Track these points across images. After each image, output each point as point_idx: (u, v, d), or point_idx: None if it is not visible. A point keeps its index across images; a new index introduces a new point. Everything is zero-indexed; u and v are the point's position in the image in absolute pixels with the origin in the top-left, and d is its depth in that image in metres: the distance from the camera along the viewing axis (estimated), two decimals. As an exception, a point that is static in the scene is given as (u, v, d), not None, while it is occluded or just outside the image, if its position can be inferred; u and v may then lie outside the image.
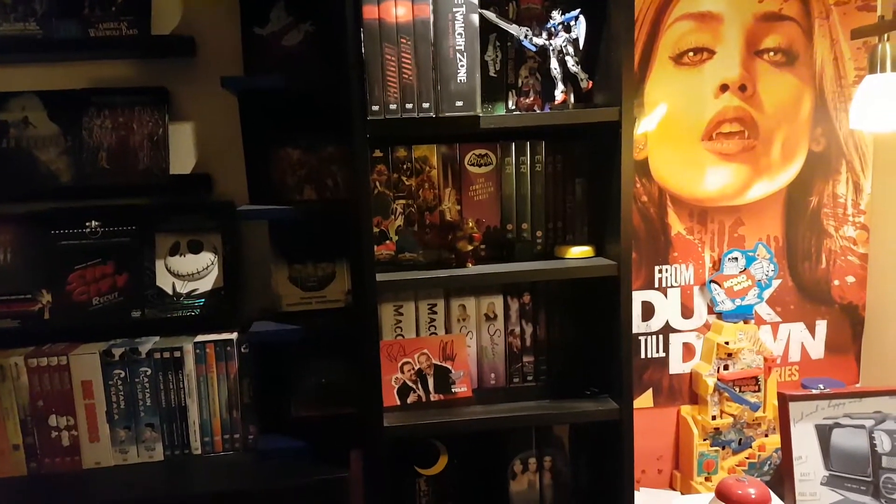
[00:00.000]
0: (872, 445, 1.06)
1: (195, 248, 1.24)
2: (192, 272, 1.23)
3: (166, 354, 1.16)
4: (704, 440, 1.35)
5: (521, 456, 1.28)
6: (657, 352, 1.38)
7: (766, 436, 1.37)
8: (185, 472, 1.16)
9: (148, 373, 1.16)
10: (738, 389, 1.34)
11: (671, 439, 1.41)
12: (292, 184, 1.23)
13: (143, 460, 1.17)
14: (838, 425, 1.06)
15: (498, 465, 1.28)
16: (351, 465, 1.18)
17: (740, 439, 1.37)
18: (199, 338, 1.18)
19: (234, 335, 1.19)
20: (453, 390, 1.21)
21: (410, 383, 1.20)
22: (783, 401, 1.05)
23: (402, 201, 1.19)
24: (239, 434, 1.20)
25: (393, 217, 1.19)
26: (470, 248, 1.16)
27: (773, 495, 1.05)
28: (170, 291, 1.22)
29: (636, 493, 1.37)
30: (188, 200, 1.25)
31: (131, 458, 1.17)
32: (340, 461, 1.18)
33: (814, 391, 1.07)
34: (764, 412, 1.35)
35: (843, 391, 1.06)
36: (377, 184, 1.17)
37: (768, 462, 1.36)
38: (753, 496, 1.00)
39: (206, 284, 1.23)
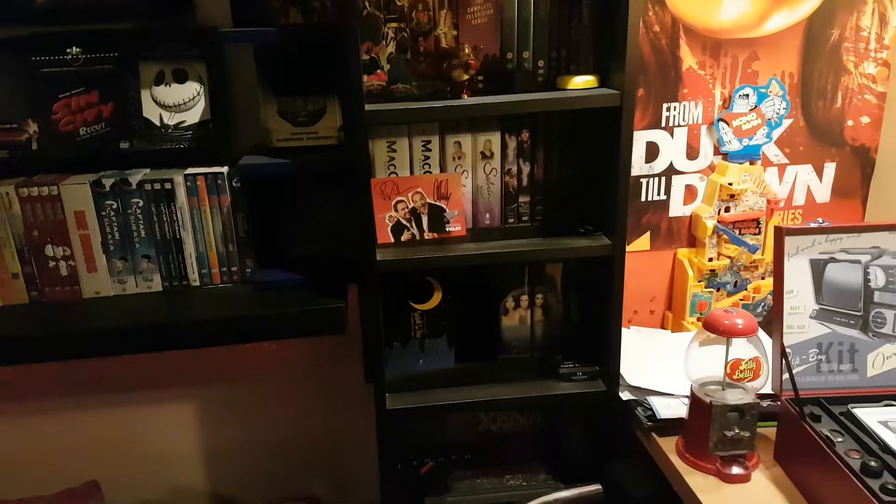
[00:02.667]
0: (866, 280, 1.05)
1: (180, 78, 1.18)
2: (178, 103, 1.18)
3: (157, 186, 1.15)
4: (699, 282, 1.36)
5: (513, 293, 1.29)
6: (658, 194, 1.36)
7: (763, 279, 1.38)
8: (185, 302, 1.19)
9: (140, 204, 1.15)
10: (737, 232, 1.33)
11: (665, 281, 1.42)
12: (277, 6, 1.14)
13: (141, 291, 1.20)
14: (833, 260, 1.05)
15: (490, 301, 1.30)
16: (347, 297, 1.20)
17: (736, 282, 1.37)
18: (190, 170, 1.16)
19: (224, 169, 1.17)
20: (447, 229, 1.21)
21: (404, 222, 1.19)
22: (779, 234, 1.03)
23: (394, 24, 1.11)
24: (236, 267, 1.21)
25: (384, 43, 1.12)
26: (466, 77, 1.10)
27: (760, 331, 1.07)
28: (157, 123, 1.18)
29: (626, 330, 1.40)
30: (169, 25, 1.18)
31: (130, 289, 1.20)
32: (337, 294, 1.20)
33: (812, 225, 1.04)
34: (762, 255, 1.35)
35: (842, 226, 1.04)
36: (367, 3, 1.09)
37: (762, 304, 1.38)
38: (741, 326, 1.02)
39: (193, 116, 1.19)
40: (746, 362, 1.01)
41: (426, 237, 1.19)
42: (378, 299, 1.16)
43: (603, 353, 1.23)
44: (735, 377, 1.02)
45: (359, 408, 1.40)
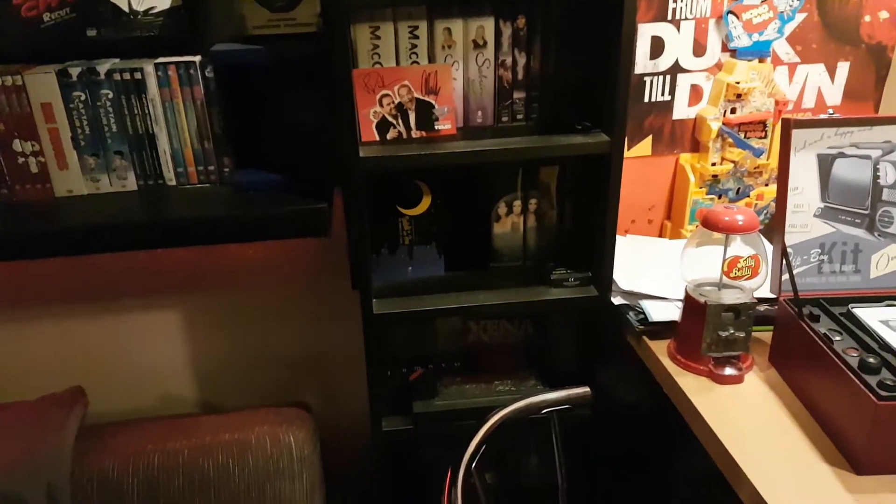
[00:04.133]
0: (875, 177, 1.00)
1: (147, -42, 1.10)
2: (145, -13, 1.10)
3: (126, 76, 1.08)
4: (701, 188, 1.31)
5: (505, 198, 1.24)
6: (662, 95, 1.28)
7: (766, 185, 1.32)
8: (161, 201, 1.14)
9: (109, 96, 1.09)
10: (742, 135, 1.26)
11: (665, 190, 1.37)
12: None
13: (116, 190, 1.15)
14: (842, 155, 0.99)
15: (482, 207, 1.25)
16: (333, 200, 1.15)
17: (738, 188, 1.32)
18: (160, 59, 1.09)
19: (196, 58, 1.10)
20: (436, 127, 1.14)
21: (390, 118, 1.13)
22: (786, 126, 0.97)
23: None
24: (214, 167, 1.16)
25: (366, -85, 1.03)
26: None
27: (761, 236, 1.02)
28: (125, 9, 1.10)
29: (622, 238, 1.36)
30: None
31: (104, 188, 1.14)
32: (321, 195, 1.15)
33: (821, 117, 0.98)
34: (767, 159, 1.29)
35: (852, 118, 0.98)
36: None
37: (765, 211, 1.33)
38: (741, 222, 0.97)
39: (163, 1, 1.11)
40: (745, 259, 0.97)
41: (414, 136, 1.13)
42: (363, 200, 1.11)
43: (596, 258, 1.19)
44: (733, 275, 0.98)
45: (348, 317, 1.38)
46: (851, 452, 0.86)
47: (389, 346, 1.37)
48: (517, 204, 1.24)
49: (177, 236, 1.09)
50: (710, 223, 0.99)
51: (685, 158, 1.32)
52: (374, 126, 1.12)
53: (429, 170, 1.19)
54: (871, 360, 0.86)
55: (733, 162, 1.28)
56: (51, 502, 1.09)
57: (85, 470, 1.14)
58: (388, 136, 1.13)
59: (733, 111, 1.25)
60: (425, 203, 1.23)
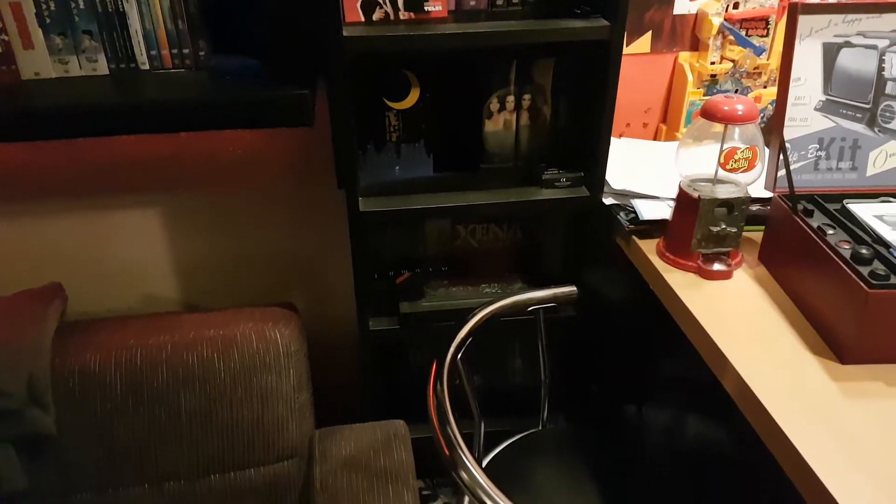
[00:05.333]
0: (881, 69, 0.96)
1: None
2: None
3: (92, -55, 1.00)
4: (698, 89, 1.27)
5: (498, 93, 1.19)
6: (662, -13, 1.22)
7: (765, 87, 1.29)
8: (134, 86, 1.07)
9: (74, -33, 1.01)
10: (744, 32, 1.22)
11: (662, 91, 1.33)
12: None
13: (86, 73, 1.08)
14: (848, 44, 0.95)
15: (473, 102, 1.20)
16: (316, 88, 1.10)
17: (736, 90, 1.28)
18: (129, -72, 1.01)
19: (169, -73, 1.02)
20: (426, 9, 1.08)
21: (377, -3, 1.06)
22: (793, 12, 0.93)
23: None
24: (189, 50, 1.09)
25: None
26: None
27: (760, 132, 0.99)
28: None
29: (617, 140, 1.33)
30: None
31: (73, 70, 1.08)
32: (302, 82, 1.09)
33: (830, 1, 0.94)
34: (767, 59, 1.25)
35: (862, 3, 0.93)
36: None
37: (762, 114, 1.30)
38: (740, 112, 0.94)
39: None
40: (742, 151, 0.95)
41: (402, 17, 1.07)
42: (346, 87, 1.06)
43: (590, 157, 1.16)
44: (729, 167, 0.96)
45: (334, 217, 1.35)
46: (838, 342, 0.86)
47: (377, 249, 1.35)
48: (510, 100, 1.20)
49: (152, 122, 1.03)
50: (709, 112, 0.96)
51: (684, 57, 1.27)
52: (358, 4, 1.05)
53: (417, 57, 1.14)
54: (864, 251, 0.85)
55: (733, 61, 1.23)
56: (31, 393, 1.08)
57: (66, 364, 1.12)
58: (374, 17, 1.07)
59: (736, 6, 1.20)
60: (413, 96, 1.18)
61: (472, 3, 1.11)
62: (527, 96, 1.20)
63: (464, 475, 0.81)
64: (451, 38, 1.03)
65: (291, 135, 1.29)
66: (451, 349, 1.01)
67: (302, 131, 1.28)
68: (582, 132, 1.19)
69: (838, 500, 0.66)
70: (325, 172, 1.30)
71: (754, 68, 1.25)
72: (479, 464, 1.13)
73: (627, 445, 1.18)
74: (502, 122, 1.22)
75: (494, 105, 1.20)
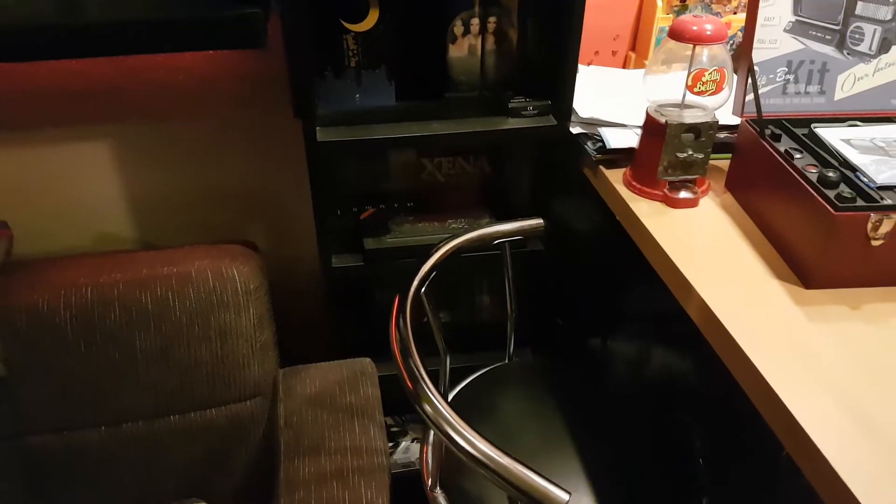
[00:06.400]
0: (853, -13, 0.94)
1: None
2: None
3: None
4: (668, 15, 1.23)
5: (462, 15, 1.13)
6: None
7: (735, 13, 1.25)
8: (74, 4, 1.00)
9: None
10: (716, -48, 1.18)
11: (632, 18, 1.28)
12: None
13: (17, -12, 1.00)
14: (824, -40, 0.93)
15: (436, 25, 1.15)
16: (268, 6, 1.03)
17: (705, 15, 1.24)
18: None
19: None
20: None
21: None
22: (769, -77, 0.89)
23: None
24: (129, -36, 1.02)
25: None
26: None
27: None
28: None
29: (585, 68, 1.29)
30: None
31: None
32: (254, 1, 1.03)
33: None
34: (739, -18, 1.21)
35: (841, -85, 0.90)
36: None
37: (731, 41, 1.27)
38: (709, 32, 0.91)
39: None
40: (710, 73, 0.92)
41: (358, -69, 1.00)
42: (301, 4, 0.99)
43: (558, 85, 1.12)
44: (696, 90, 0.93)
45: (293, 150, 1.29)
46: (802, 267, 0.86)
47: (339, 184, 1.30)
48: (475, 22, 1.14)
49: (94, 44, 0.97)
50: (677, 32, 0.92)
51: (655, -20, 1.23)
52: (312, -80, 0.98)
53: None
54: (831, 174, 0.84)
55: (705, -16, 1.20)
56: (-23, 335, 1.04)
57: (12, 303, 1.08)
58: (330, -67, 1.00)
59: (710, -77, 1.16)
60: (373, 17, 1.12)
61: (434, -84, 1.05)
62: (492, 19, 1.14)
63: (427, 408, 0.80)
64: (411, -48, 0.96)
65: (246, 59, 1.22)
66: (414, 284, 0.98)
67: (257, 56, 1.21)
68: (549, 59, 1.15)
69: (799, 421, 0.66)
70: (283, 101, 1.24)
71: (733, -9, 1.22)
72: (445, 398, 1.13)
73: (594, 377, 1.19)
74: (467, 46, 1.16)
75: (458, 28, 1.15)
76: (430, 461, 1.03)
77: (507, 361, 1.21)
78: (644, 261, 0.97)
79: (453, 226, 1.27)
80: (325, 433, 1.12)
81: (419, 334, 0.91)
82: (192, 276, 1.13)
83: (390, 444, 1.49)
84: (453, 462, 1.00)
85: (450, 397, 1.14)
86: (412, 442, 1.52)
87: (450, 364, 1.14)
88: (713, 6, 1.23)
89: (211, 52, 1.21)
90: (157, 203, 1.34)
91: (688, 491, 0.97)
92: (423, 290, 0.99)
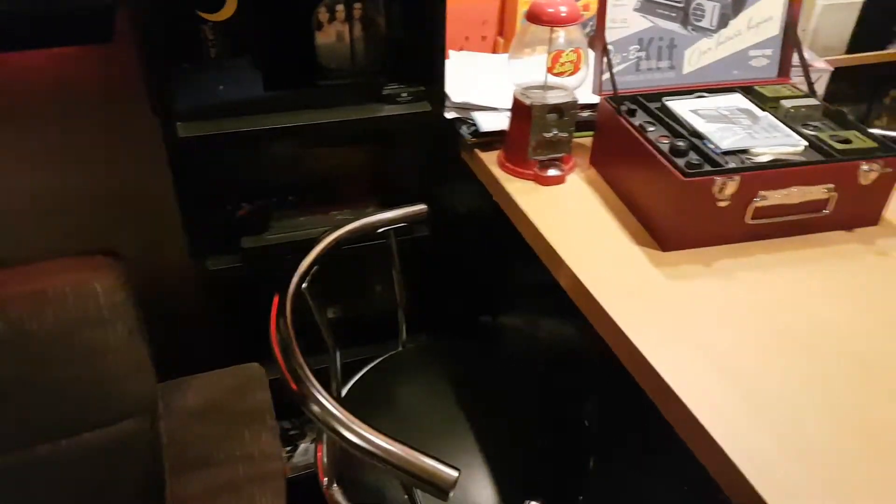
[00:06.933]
0: (691, -33, 1.01)
1: None
2: None
3: None
4: (529, -2, 1.27)
5: (326, 1, 1.11)
6: None
7: (592, -5, 1.31)
8: None
9: None
10: (569, -63, 1.22)
11: (497, 3, 1.31)
12: None
13: None
14: (662, -58, 0.98)
15: (300, 12, 1.12)
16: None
17: None
18: None
19: None
20: None
21: None
22: None
23: None
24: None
25: None
26: None
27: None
28: None
29: (456, 53, 1.31)
30: None
31: None
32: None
33: None
34: (593, -34, 1.26)
35: None
36: None
37: (591, 22, 1.32)
38: (564, 14, 0.94)
39: None
40: (567, 54, 0.96)
41: (203, -85, 0.96)
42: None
43: (428, 71, 1.12)
44: (556, 71, 0.97)
45: (159, 150, 1.21)
46: (659, 231, 0.91)
47: (212, 181, 1.24)
48: (340, 9, 1.12)
49: None
50: (534, 15, 0.95)
51: (514, -35, 1.26)
52: None
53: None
54: (680, 143, 0.90)
55: (562, -32, 1.23)
56: None
57: None
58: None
59: None
60: (231, 5, 1.07)
61: None
62: (358, 5, 1.12)
63: (315, 408, 0.78)
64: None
65: (98, 55, 1.14)
66: (294, 280, 0.96)
67: (111, 51, 1.13)
68: (419, 44, 1.15)
69: (659, 372, 0.71)
70: (142, 97, 1.16)
71: (584, -25, 1.26)
72: (338, 394, 1.11)
73: (487, 353, 1.22)
74: (334, 33, 1.14)
75: (324, 15, 1.12)
76: (325, 459, 1.01)
77: (400, 349, 1.21)
78: (522, 237, 1.00)
79: (338, 217, 1.25)
80: (213, 445, 1.07)
81: (314, 331, 0.89)
82: (48, 294, 1.03)
83: (288, 448, 1.45)
84: (348, 457, 0.99)
85: (343, 392, 1.12)
86: (311, 443, 1.49)
87: (345, 358, 1.12)
88: (571, -11, 1.28)
89: (62, 49, 1.12)
90: (9, 213, 1.22)
91: (577, 452, 1.01)
92: (304, 286, 0.97)
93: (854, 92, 1.76)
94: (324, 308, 1.09)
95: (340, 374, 1.08)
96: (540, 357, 1.22)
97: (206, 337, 1.33)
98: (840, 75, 1.60)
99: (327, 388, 1.07)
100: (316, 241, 1.03)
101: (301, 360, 0.83)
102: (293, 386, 0.81)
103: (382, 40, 1.17)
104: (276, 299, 0.92)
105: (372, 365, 1.16)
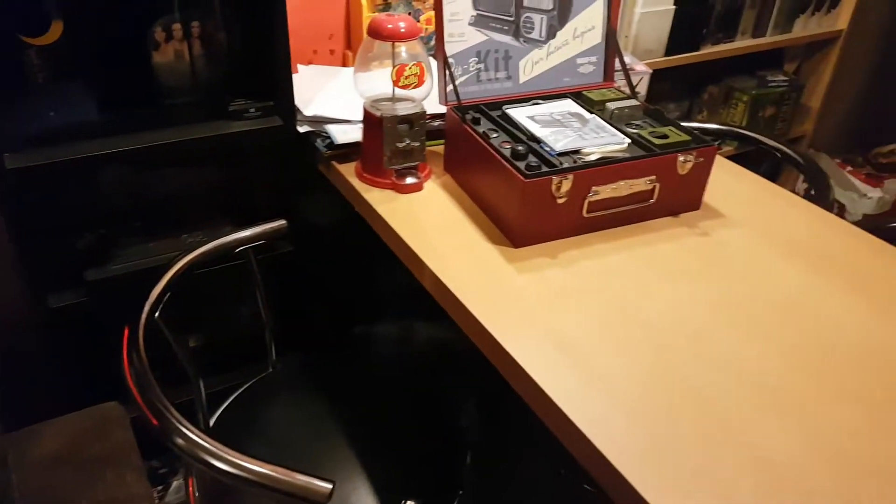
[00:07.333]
0: (518, -17, 1.08)
1: None
2: None
3: None
4: (374, 13, 1.30)
5: (162, 21, 1.08)
6: None
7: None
8: None
9: None
10: (407, -47, 1.26)
11: (342, 16, 1.33)
12: None
13: None
14: (489, -40, 1.05)
15: (133, 33, 1.07)
16: None
17: (409, 13, 1.34)
18: None
19: None
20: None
21: None
22: (438, -73, 0.99)
23: None
24: None
25: None
26: None
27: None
28: None
29: (305, 68, 1.31)
30: None
31: None
32: None
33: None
34: (433, -19, 1.32)
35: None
36: None
37: (433, 37, 1.38)
38: (403, 29, 0.98)
39: None
40: (410, 67, 0.99)
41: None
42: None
43: (276, 85, 1.12)
44: (401, 84, 1.00)
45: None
46: (509, 230, 0.97)
47: (48, 212, 1.15)
48: (177, 27, 1.09)
49: None
50: (374, 31, 0.98)
51: (356, -20, 1.29)
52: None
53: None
54: (520, 148, 0.97)
55: (402, -17, 1.28)
56: None
57: None
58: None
59: (396, -74, 1.24)
60: (56, 29, 1.01)
61: (105, -86, 0.97)
62: (195, 23, 1.10)
63: (178, 440, 0.75)
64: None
65: None
66: (146, 310, 0.92)
67: None
68: (264, 60, 1.14)
69: (516, 358, 0.76)
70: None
71: (423, -9, 1.32)
72: (206, 424, 1.08)
73: (361, 364, 1.23)
74: (172, 52, 1.11)
75: (160, 34, 1.09)
76: (197, 493, 0.97)
77: (270, 370, 1.19)
78: (386, 245, 1.03)
79: (189, 240, 1.21)
80: (73, 491, 1.00)
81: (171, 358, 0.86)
82: None
83: (159, 487, 1.38)
84: (222, 487, 0.96)
85: (212, 421, 1.08)
86: (184, 479, 1.42)
87: (216, 385, 1.09)
88: (414, 3, 1.33)
89: None
90: None
91: (454, 451, 1.05)
92: (156, 315, 0.93)
93: (677, 90, 1.97)
94: (185, 336, 1.05)
95: (206, 402, 1.05)
96: (416, 362, 1.25)
97: (59, 380, 1.23)
98: (662, 76, 1.78)
99: (194, 419, 1.03)
100: (166, 267, 0.99)
101: (159, 392, 0.80)
102: (153, 421, 0.78)
103: (225, 56, 1.15)
104: (126, 332, 0.88)
105: (241, 390, 1.13)
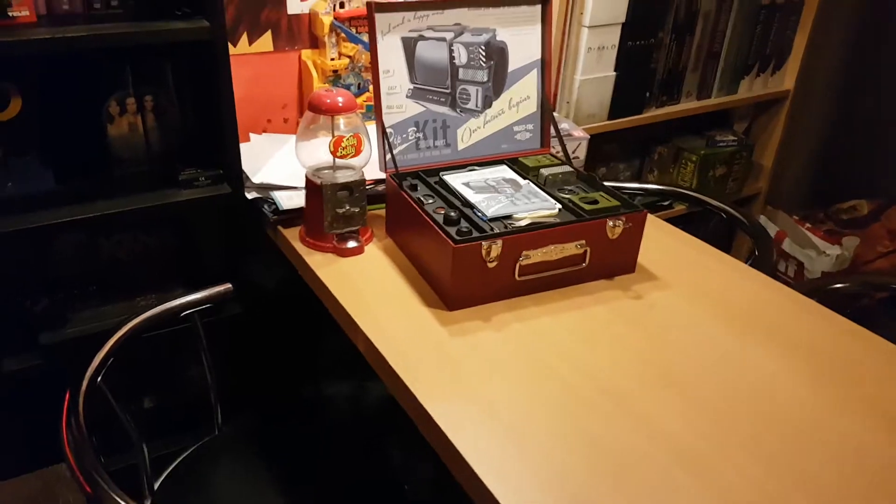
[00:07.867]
0: (451, 57, 1.15)
1: None
2: None
3: None
4: (324, 84, 1.37)
5: (115, 96, 1.14)
6: (274, -11, 1.28)
7: (384, 79, 1.43)
8: None
9: None
10: (354, 29, 1.34)
11: (294, 86, 1.39)
12: None
13: None
14: (422, 38, 1.12)
15: (90, 108, 1.13)
16: None
17: (359, 83, 1.41)
18: None
19: None
20: (10, 14, 0.98)
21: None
22: (370, 10, 1.05)
23: None
24: None
25: None
26: None
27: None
28: None
29: (258, 136, 1.37)
30: None
31: None
32: None
33: (400, 0, 1.08)
34: (380, 54, 1.39)
35: (426, 1, 1.10)
36: None
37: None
38: (341, 104, 1.04)
39: None
40: (348, 138, 1.05)
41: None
42: None
43: (224, 154, 1.17)
44: (339, 154, 1.05)
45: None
46: (444, 293, 1.01)
47: (2, 277, 1.19)
48: (131, 102, 1.15)
49: None
50: (314, 106, 1.04)
51: (307, 54, 1.36)
52: None
53: (11, 65, 1.03)
54: (453, 213, 1.01)
55: (349, 57, 1.35)
56: None
57: None
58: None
59: (342, 5, 1.31)
60: (15, 107, 1.07)
61: (66, 6, 1.03)
62: (148, 97, 1.16)
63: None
64: (46, 43, 0.94)
65: None
66: (87, 375, 0.94)
67: None
68: (213, 131, 1.20)
69: (438, 423, 0.79)
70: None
71: (369, 62, 1.38)
72: (150, 489, 1.08)
73: (309, 425, 1.24)
74: (126, 125, 1.16)
75: (114, 108, 1.14)
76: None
77: (216, 433, 1.20)
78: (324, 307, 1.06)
79: (143, 303, 1.24)
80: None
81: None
82: None
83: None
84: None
85: (157, 486, 1.09)
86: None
87: (162, 449, 1.10)
88: (363, 74, 1.40)
89: None
90: None
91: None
92: (98, 379, 0.95)
93: (626, 151, 2.04)
94: (136, 398, 1.07)
95: (150, 467, 1.06)
96: (364, 424, 1.26)
97: (12, 442, 1.23)
98: (609, 138, 1.85)
99: (138, 484, 1.04)
100: (109, 333, 1.02)
101: (94, 460, 0.82)
102: (87, 489, 0.80)
103: (176, 128, 1.20)
104: (67, 397, 0.90)
105: (186, 453, 1.14)
